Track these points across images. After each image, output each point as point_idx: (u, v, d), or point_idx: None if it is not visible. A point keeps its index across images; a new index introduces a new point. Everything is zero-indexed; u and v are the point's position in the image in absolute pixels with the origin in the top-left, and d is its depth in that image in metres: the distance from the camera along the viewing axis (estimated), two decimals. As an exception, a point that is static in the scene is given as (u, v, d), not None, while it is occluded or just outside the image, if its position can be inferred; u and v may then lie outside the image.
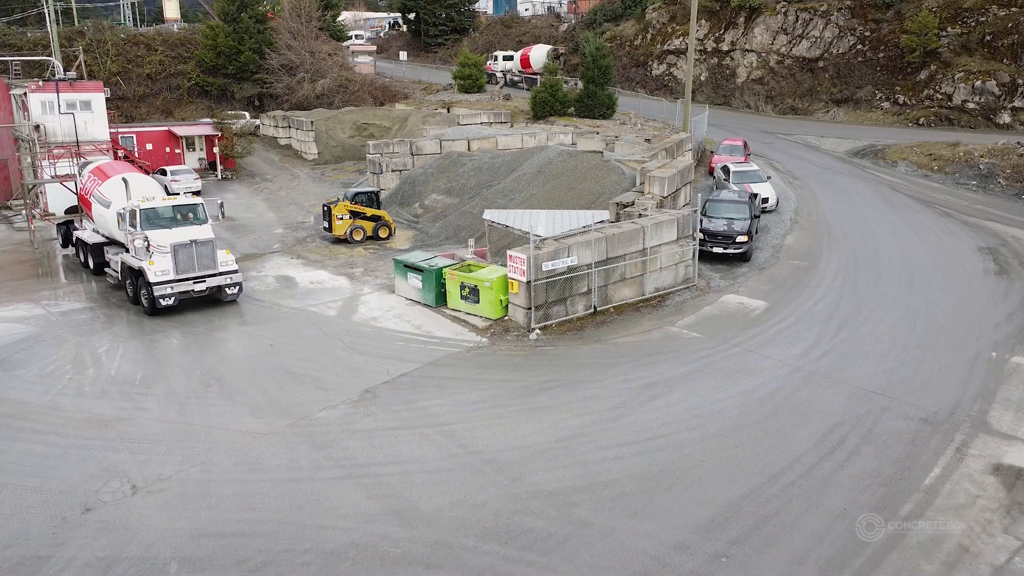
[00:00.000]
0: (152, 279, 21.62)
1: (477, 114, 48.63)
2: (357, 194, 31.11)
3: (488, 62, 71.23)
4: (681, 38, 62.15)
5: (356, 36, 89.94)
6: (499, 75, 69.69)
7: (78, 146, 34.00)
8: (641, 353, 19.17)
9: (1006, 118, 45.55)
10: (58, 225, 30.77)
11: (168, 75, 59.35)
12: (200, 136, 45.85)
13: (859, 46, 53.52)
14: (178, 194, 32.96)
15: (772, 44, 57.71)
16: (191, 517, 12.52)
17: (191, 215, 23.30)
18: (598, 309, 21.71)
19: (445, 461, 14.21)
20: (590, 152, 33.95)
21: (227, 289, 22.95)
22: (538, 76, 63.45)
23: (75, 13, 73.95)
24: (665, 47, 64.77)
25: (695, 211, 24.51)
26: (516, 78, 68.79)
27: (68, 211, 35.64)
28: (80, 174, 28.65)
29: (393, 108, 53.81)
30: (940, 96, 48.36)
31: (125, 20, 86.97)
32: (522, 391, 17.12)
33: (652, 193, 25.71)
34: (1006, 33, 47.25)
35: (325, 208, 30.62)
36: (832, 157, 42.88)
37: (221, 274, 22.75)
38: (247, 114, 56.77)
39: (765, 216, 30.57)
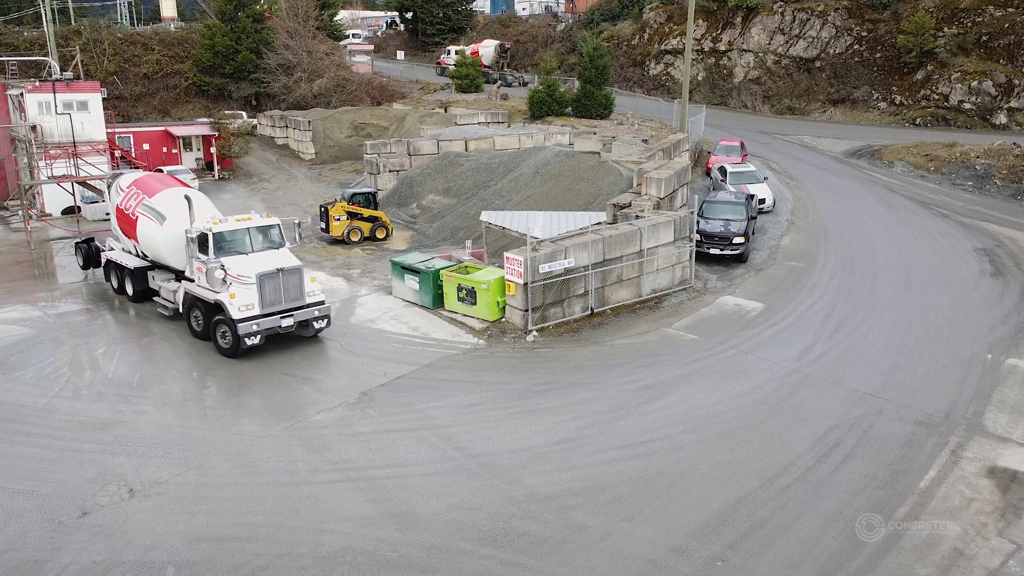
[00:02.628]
0: (236, 315, 18.66)
1: (474, 114, 48.61)
2: (354, 195, 31.10)
3: (442, 56, 77.56)
4: (678, 38, 62.17)
5: (353, 35, 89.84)
6: (452, 68, 74.36)
7: (75, 146, 33.99)
8: (638, 355, 19.21)
9: (1002, 118, 45.64)
10: (77, 244, 26.77)
11: (165, 75, 59.27)
12: (197, 136, 45.79)
13: (856, 46, 53.57)
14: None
15: (769, 44, 57.75)
16: (188, 521, 12.53)
17: (266, 237, 20.48)
18: (595, 311, 21.74)
19: (442, 464, 14.24)
20: (587, 153, 33.96)
21: (314, 323, 20.02)
22: (488, 69, 69.74)
23: (72, 12, 73.84)
24: (662, 47, 64.78)
25: (692, 212, 24.56)
26: None
27: (64, 212, 35.67)
28: (111, 186, 25.06)
29: (390, 108, 53.77)
30: (937, 96, 48.44)
31: (122, 19, 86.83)
32: (519, 393, 17.15)
33: (649, 194, 25.74)
34: (1003, 33, 47.33)
35: (322, 209, 30.61)
36: (829, 157, 42.93)
37: (309, 306, 19.88)
38: (244, 114, 56.72)
39: (762, 217, 30.60)
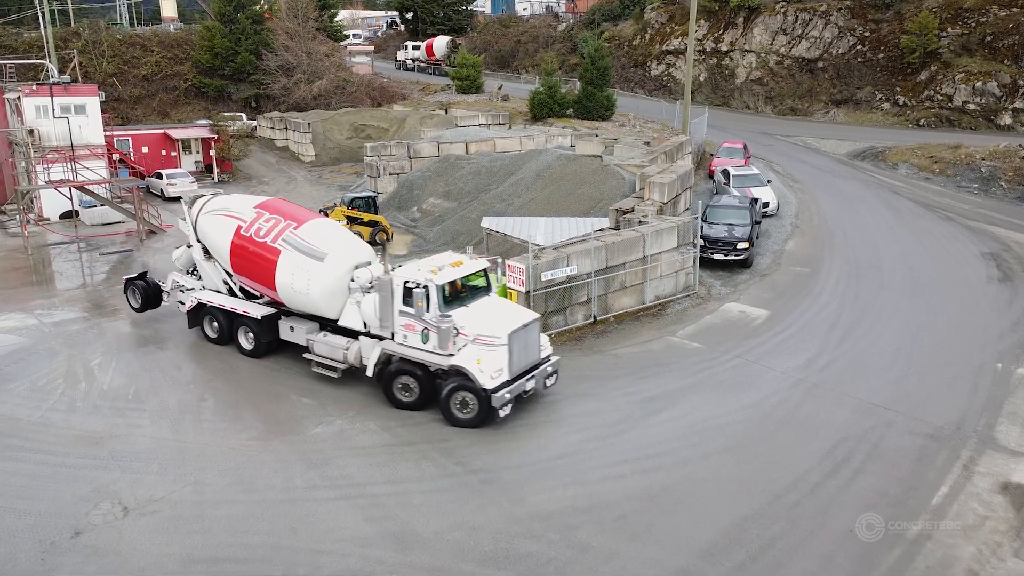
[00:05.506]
0: (488, 384, 15.31)
1: (475, 115, 48.31)
2: (354, 199, 30.83)
3: (400, 50, 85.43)
4: (680, 38, 61.83)
5: (354, 36, 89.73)
6: (408, 61, 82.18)
7: (73, 150, 33.72)
8: (642, 364, 18.90)
9: (1007, 119, 45.29)
10: (128, 280, 22.15)
11: (164, 76, 58.98)
12: (197, 138, 45.52)
13: (859, 46, 53.23)
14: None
15: (771, 44, 57.41)
16: (183, 541, 12.23)
17: (476, 284, 17.20)
18: (598, 318, 21.44)
19: (443, 480, 13.94)
20: (589, 156, 33.64)
21: (546, 380, 16.89)
22: (439, 61, 76.21)
23: (71, 13, 73.54)
24: (664, 47, 64.46)
25: (695, 217, 24.24)
26: (423, 64, 79.67)
27: (62, 216, 35.37)
28: (196, 206, 20.54)
29: (391, 109, 53.50)
30: (940, 97, 48.10)
31: (121, 19, 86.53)
32: (521, 405, 16.81)
33: (652, 199, 25.44)
34: (1007, 34, 46.97)
35: (322, 213, 30.29)
36: (832, 159, 42.60)
37: (543, 362, 16.86)
38: (244, 116, 56.43)
39: (766, 220, 30.26)
